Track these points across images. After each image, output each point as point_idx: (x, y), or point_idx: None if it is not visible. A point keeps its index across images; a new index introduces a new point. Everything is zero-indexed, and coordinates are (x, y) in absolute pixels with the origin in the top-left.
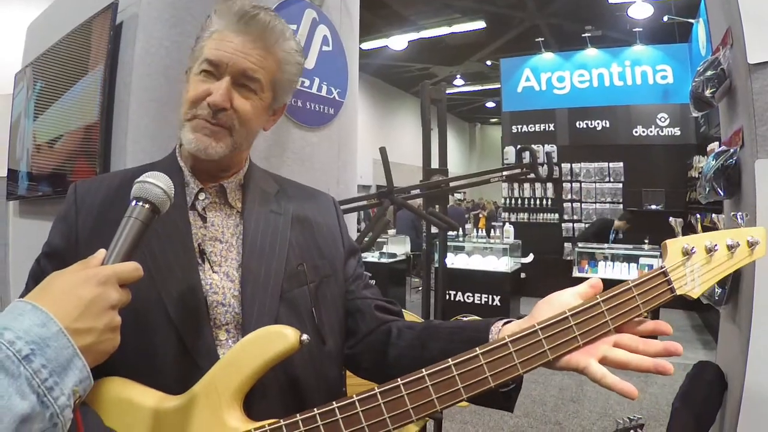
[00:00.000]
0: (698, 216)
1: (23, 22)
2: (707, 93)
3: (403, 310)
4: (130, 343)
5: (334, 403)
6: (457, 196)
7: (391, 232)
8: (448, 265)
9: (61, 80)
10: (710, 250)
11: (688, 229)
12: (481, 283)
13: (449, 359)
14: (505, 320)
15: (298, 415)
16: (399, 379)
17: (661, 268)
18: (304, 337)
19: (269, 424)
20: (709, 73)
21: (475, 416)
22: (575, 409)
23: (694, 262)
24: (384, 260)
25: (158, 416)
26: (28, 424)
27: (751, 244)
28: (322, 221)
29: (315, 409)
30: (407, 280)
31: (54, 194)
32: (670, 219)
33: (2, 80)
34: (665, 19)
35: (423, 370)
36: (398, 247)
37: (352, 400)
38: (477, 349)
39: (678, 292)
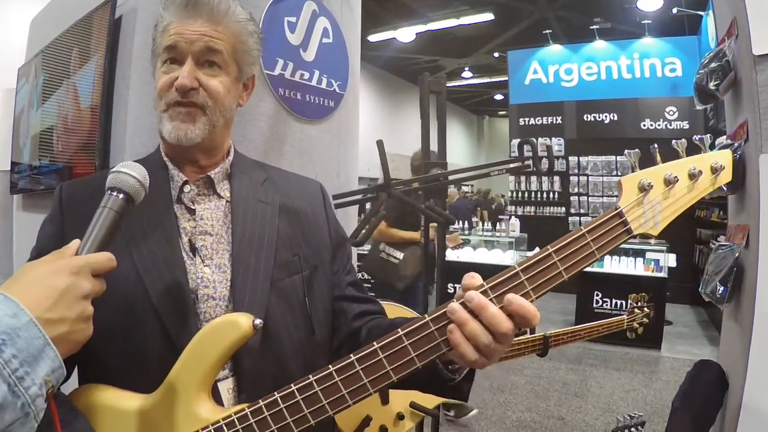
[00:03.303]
0: (656, 146)
1: (26, 18)
2: (711, 85)
3: (396, 305)
4: (118, 340)
5: (292, 385)
6: (464, 188)
7: None
8: (454, 259)
9: (63, 74)
10: (669, 183)
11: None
12: (487, 277)
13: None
14: None
15: (260, 400)
16: (352, 355)
17: (616, 208)
18: (257, 321)
19: (235, 412)
20: (713, 64)
21: (477, 412)
22: (578, 404)
23: (652, 197)
24: None
25: (134, 417)
26: (0, 413)
27: (715, 170)
28: (309, 211)
29: (275, 392)
30: None
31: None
32: (626, 152)
33: (6, 75)
34: (675, 11)
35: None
36: None
37: (309, 380)
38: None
39: (636, 232)
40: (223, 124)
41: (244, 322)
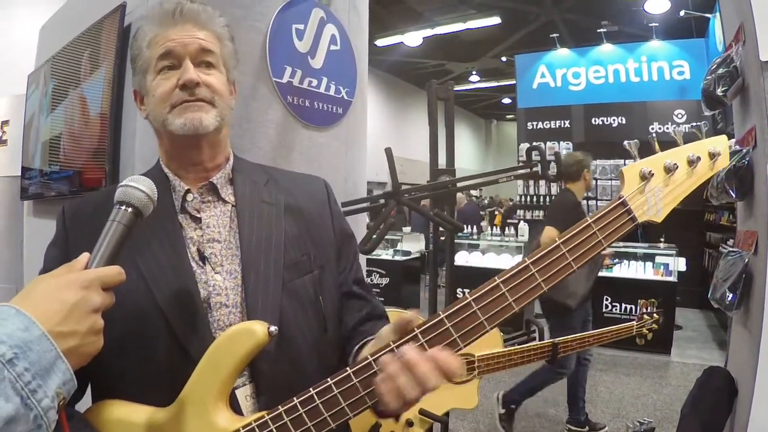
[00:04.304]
0: (654, 134)
1: (35, 25)
2: (719, 91)
3: (402, 311)
4: (130, 353)
5: (311, 389)
6: (473, 193)
7: (406, 229)
8: (463, 263)
9: (72, 81)
10: (669, 170)
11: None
12: None
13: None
14: (371, 338)
15: (280, 406)
16: (369, 356)
17: (620, 197)
18: (272, 328)
19: (255, 420)
20: (721, 70)
21: (486, 416)
22: (588, 410)
23: (653, 185)
24: (398, 258)
25: (152, 431)
26: (13, 425)
27: (713, 156)
28: (313, 210)
29: (294, 398)
30: (422, 278)
31: (68, 194)
32: (625, 142)
33: (15, 81)
34: (682, 13)
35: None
36: (413, 244)
37: (328, 384)
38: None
39: (640, 220)
40: (227, 122)
41: (259, 329)
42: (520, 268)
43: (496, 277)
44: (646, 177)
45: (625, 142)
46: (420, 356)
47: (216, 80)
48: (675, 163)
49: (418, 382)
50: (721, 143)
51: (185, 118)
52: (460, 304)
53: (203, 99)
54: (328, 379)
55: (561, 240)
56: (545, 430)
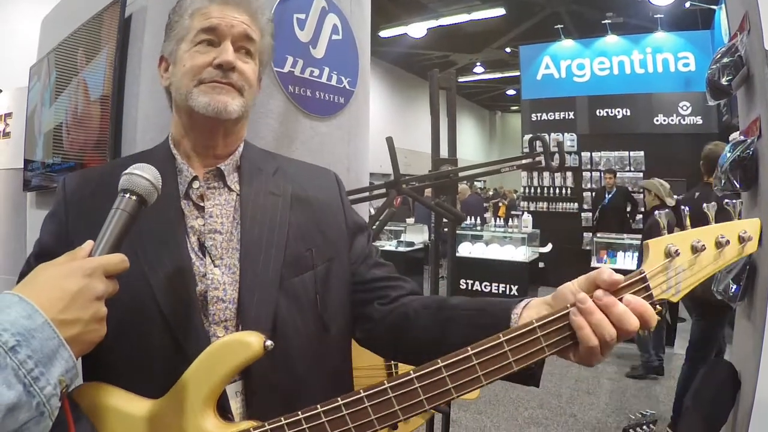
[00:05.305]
0: (686, 210)
1: (35, 17)
2: (723, 81)
3: None
4: (124, 338)
5: (299, 413)
6: (477, 185)
7: (410, 220)
8: (466, 255)
9: (74, 71)
10: (696, 250)
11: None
12: (499, 273)
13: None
14: (525, 302)
15: (266, 423)
16: (363, 390)
17: (641, 272)
18: (268, 343)
19: (240, 431)
20: (725, 59)
21: (489, 407)
22: (591, 401)
23: (677, 264)
24: (402, 249)
25: (138, 422)
26: (15, 412)
27: (743, 240)
28: (324, 200)
29: (282, 418)
30: (425, 269)
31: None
32: (656, 213)
33: (17, 74)
34: (687, 5)
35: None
36: (416, 235)
37: (317, 411)
38: (500, 335)
39: (656, 298)
40: (248, 113)
41: (255, 342)
42: (525, 330)
43: (500, 334)
44: (671, 255)
45: (656, 213)
46: (615, 299)
47: (250, 69)
48: (703, 245)
49: (615, 322)
50: (752, 226)
51: (211, 98)
52: (461, 356)
53: (234, 84)
54: (318, 406)
55: (570, 308)
56: (548, 421)
